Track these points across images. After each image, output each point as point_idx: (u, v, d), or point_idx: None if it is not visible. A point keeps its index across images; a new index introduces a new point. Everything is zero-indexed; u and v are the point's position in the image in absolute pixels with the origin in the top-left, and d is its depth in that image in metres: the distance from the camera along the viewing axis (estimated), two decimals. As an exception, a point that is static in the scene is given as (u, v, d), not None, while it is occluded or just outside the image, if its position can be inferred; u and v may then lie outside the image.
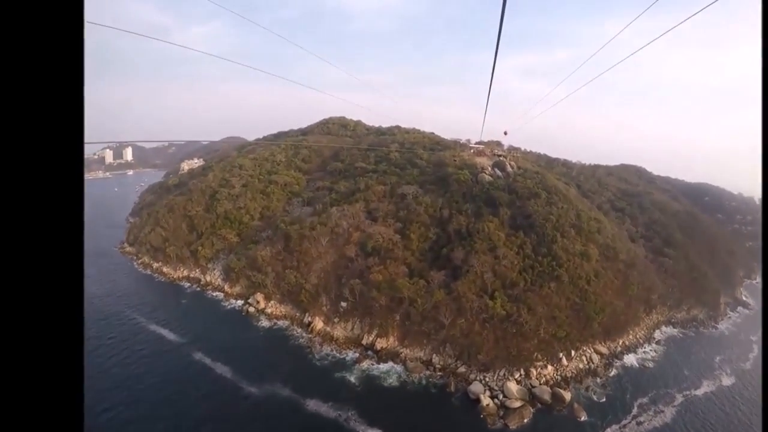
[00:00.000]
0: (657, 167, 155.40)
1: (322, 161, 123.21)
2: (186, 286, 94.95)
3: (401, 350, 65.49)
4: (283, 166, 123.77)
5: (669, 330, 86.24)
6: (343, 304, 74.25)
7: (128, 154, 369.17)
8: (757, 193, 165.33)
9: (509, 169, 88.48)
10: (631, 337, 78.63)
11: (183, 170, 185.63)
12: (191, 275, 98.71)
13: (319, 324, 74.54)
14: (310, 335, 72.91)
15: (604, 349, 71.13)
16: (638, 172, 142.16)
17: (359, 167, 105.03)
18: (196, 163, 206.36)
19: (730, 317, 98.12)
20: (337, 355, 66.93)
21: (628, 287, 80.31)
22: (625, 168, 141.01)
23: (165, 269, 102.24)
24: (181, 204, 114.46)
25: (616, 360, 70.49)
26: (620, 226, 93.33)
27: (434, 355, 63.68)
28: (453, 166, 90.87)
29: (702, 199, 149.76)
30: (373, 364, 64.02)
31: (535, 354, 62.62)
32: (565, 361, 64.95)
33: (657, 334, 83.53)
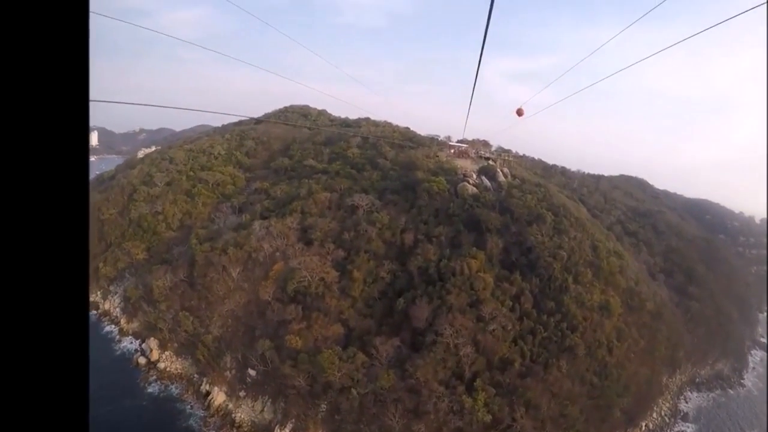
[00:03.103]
0: (652, 179, 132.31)
1: (269, 156, 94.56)
2: (83, 315, 67.18)
3: (327, 460, 39.05)
4: (221, 161, 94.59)
5: (695, 396, 64.97)
6: (252, 372, 47.32)
7: (93, 139, 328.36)
8: (756, 213, 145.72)
9: (501, 177, 62.16)
10: (655, 415, 55.05)
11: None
12: (92, 299, 70.35)
13: (219, 397, 48.22)
14: (206, 412, 47.25)
15: (627, 449, 46.59)
16: (641, 186, 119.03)
17: (308, 166, 77.22)
18: (153, 151, 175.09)
19: (753, 368, 78.48)
20: (238, 457, 40.98)
21: (655, 347, 55.91)
22: (627, 180, 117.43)
23: (65, 290, 72.93)
24: (97, 204, 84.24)
25: (643, 463, 46.36)
26: (636, 256, 68.79)
27: (377, 474, 37.45)
28: (425, 170, 63.95)
29: (704, 218, 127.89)
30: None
31: (535, 481, 37.13)
32: (576, 483, 39.81)
33: (683, 405, 61.34)
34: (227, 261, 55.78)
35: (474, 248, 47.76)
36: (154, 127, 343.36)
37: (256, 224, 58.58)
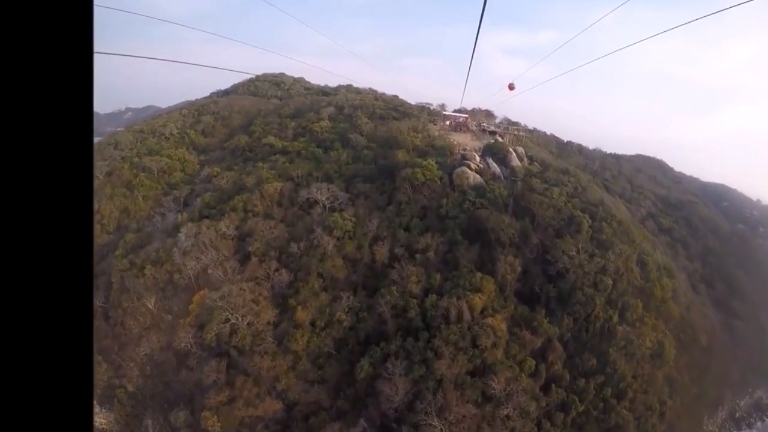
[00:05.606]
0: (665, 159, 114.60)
1: (229, 133, 76.01)
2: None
3: None
4: (173, 142, 76.06)
5: (738, 438, 50.47)
6: (168, 444, 32.20)
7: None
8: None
9: (515, 161, 44.51)
10: (701, 474, 41.24)
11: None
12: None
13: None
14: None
15: None
16: (661, 168, 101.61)
17: (267, 144, 59.39)
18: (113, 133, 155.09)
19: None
20: None
21: (705, 392, 41.13)
22: (645, 161, 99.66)
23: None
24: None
25: None
26: (675, 261, 52.73)
27: None
28: (410, 148, 46.19)
29: (720, 204, 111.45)
30: None
31: None
32: None
33: (726, 453, 47.53)
34: (143, 285, 39.40)
35: (478, 272, 31.27)
36: (141, 106, 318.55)
37: (183, 231, 41.58)
